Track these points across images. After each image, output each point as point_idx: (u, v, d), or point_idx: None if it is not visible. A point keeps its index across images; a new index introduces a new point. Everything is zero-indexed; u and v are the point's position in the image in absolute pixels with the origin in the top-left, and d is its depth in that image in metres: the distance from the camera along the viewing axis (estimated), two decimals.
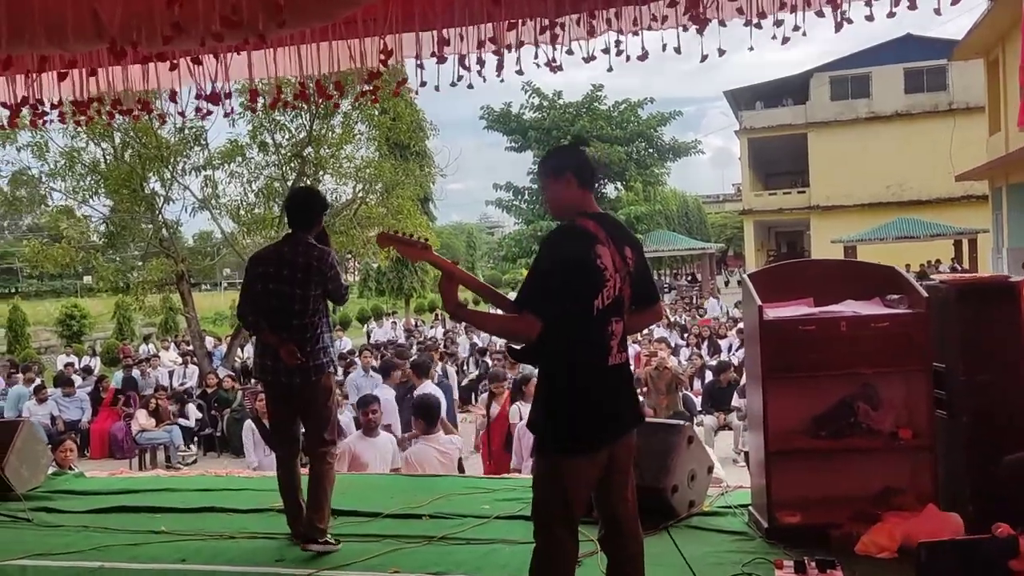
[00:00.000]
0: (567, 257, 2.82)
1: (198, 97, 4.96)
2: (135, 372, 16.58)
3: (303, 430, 4.64)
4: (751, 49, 4.56)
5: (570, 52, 4.63)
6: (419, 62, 4.53)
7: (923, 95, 36.78)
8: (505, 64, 4.58)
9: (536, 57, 4.47)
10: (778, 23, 4.41)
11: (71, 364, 18.93)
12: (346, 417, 9.40)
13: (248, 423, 9.01)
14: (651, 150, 37.79)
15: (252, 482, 6.11)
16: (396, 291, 33.54)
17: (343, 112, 15.24)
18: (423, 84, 4.94)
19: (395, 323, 27.24)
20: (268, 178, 15.96)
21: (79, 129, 13.12)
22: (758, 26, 4.42)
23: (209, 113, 5.48)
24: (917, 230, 31.70)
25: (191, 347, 18.41)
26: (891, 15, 4.35)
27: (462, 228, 74.08)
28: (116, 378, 16.25)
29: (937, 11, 4.15)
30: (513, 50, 4.48)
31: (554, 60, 4.61)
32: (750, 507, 4.49)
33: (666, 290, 38.60)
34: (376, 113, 15.56)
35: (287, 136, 15.45)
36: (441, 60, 4.57)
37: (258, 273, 4.51)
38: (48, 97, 5.22)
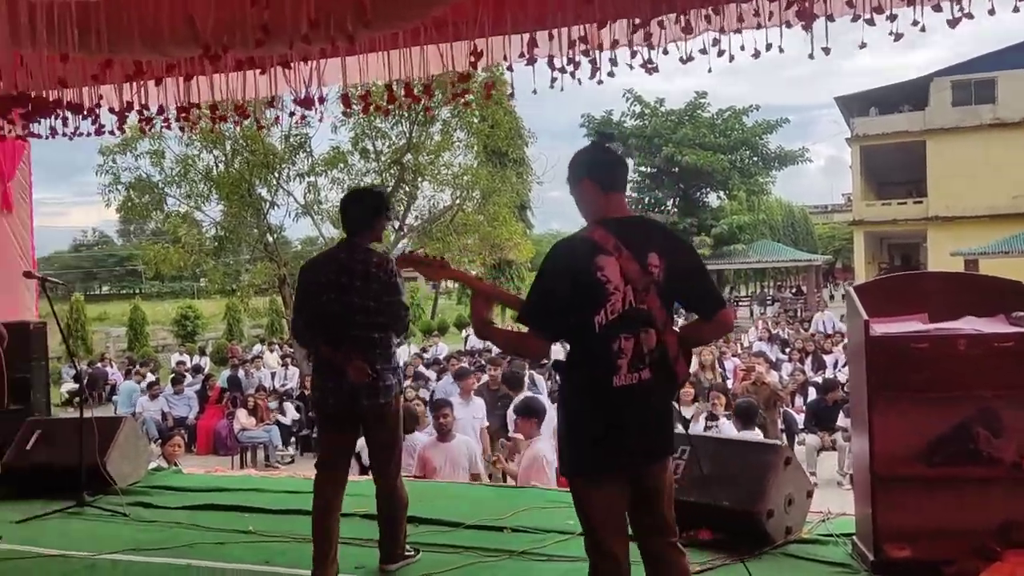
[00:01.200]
0: (562, 270, 2.66)
1: (294, 103, 5.00)
2: (240, 372, 17.15)
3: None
4: (862, 46, 4.26)
5: (665, 52, 4.45)
6: (508, 63, 4.42)
7: None
8: (600, 65, 4.41)
9: (633, 58, 4.30)
10: (892, 18, 4.11)
11: (183, 362, 19.80)
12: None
13: None
14: (756, 159, 36.73)
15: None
16: None
17: (442, 119, 15.38)
18: (511, 94, 4.86)
19: None
20: (368, 184, 16.25)
21: (193, 137, 13.66)
22: (870, 22, 4.13)
23: (303, 118, 5.55)
24: None
25: (292, 349, 18.91)
26: (1016, 10, 3.99)
27: (560, 236, 73.79)
28: (221, 377, 16.86)
29: None
30: (607, 50, 4.32)
31: (650, 61, 4.44)
32: (854, 537, 4.18)
33: (769, 302, 37.44)
34: (475, 120, 15.64)
35: (387, 143, 15.73)
36: (531, 61, 4.46)
37: (313, 283, 4.05)
38: (153, 103, 5.38)
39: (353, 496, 5.41)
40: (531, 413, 6.33)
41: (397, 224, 16.12)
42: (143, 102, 5.00)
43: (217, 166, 15.69)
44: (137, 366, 19.06)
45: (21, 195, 6.81)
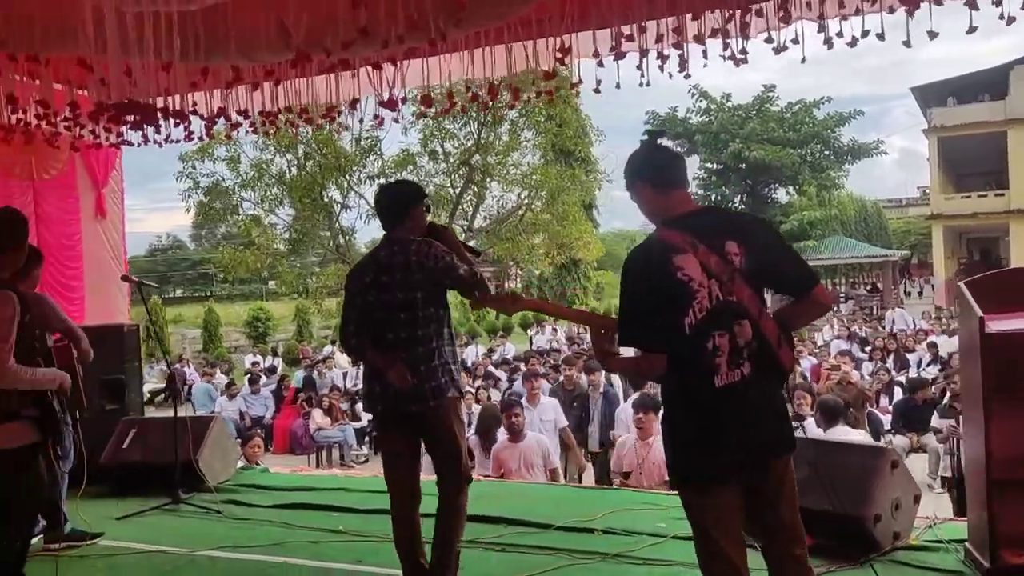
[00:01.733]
0: (641, 280, 2.57)
1: (380, 104, 5.02)
2: (312, 373, 17.40)
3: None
4: (933, 36, 4.06)
5: (769, 40, 4.31)
6: (599, 60, 4.35)
7: None
8: (689, 58, 4.31)
9: (725, 50, 4.19)
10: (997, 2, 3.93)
11: (257, 363, 20.19)
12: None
13: None
14: (827, 152, 35.83)
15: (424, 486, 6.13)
16: (559, 298, 33.57)
17: (510, 120, 15.38)
18: (596, 89, 4.79)
19: (556, 330, 27.25)
20: (437, 186, 16.36)
21: (267, 142, 13.94)
22: (972, 4, 3.94)
23: (383, 122, 5.57)
24: None
25: None
26: None
27: (624, 235, 73.49)
28: (296, 377, 17.15)
29: None
30: (702, 41, 4.21)
31: (743, 51, 4.32)
32: (966, 543, 4.00)
33: (842, 300, 36.47)
34: (542, 119, 15.60)
35: (456, 144, 15.80)
36: (619, 56, 4.38)
37: (355, 288, 3.82)
38: (239, 108, 5.47)
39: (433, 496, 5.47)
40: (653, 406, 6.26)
41: (465, 224, 16.21)
42: (238, 107, 5.07)
43: (290, 170, 15.99)
44: (206, 367, 19.53)
45: (113, 202, 7.02)
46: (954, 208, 37.68)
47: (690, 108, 35.47)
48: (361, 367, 18.45)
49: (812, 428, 7.29)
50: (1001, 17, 3.92)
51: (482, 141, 15.44)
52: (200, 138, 6.16)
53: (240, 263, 16.15)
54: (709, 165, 36.15)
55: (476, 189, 15.21)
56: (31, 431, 3.75)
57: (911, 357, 15.33)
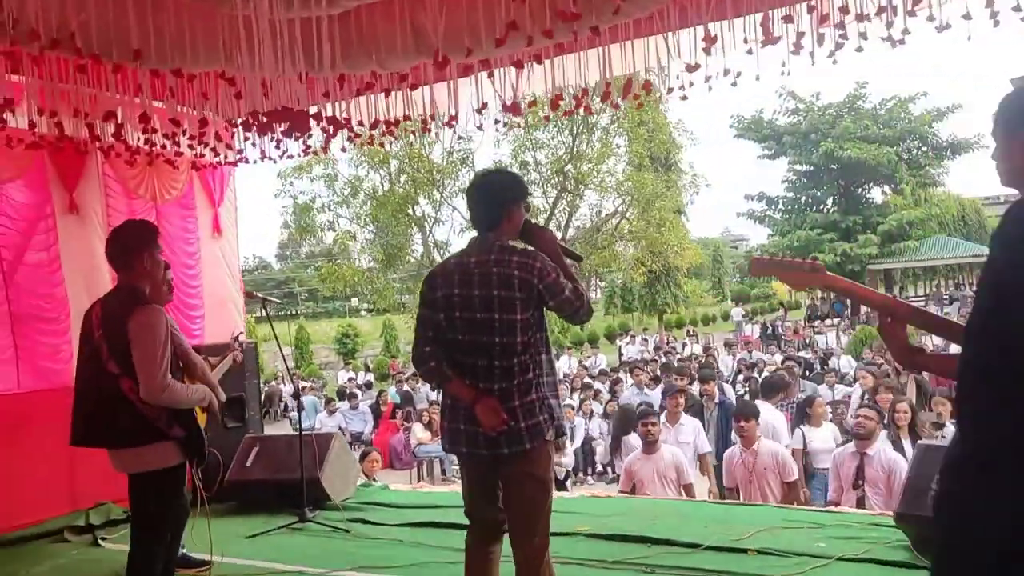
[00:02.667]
0: None
1: (503, 110, 4.86)
2: (405, 387, 17.49)
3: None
4: None
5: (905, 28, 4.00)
6: (748, 47, 4.09)
7: None
8: (845, 41, 4.02)
9: (889, 28, 3.87)
10: None
11: (352, 379, 20.43)
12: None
13: None
14: (925, 148, 34.40)
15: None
16: (649, 307, 33.07)
17: (601, 127, 15.17)
18: (736, 79, 4.52)
19: (646, 340, 26.80)
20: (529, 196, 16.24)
21: (362, 158, 14.05)
22: None
23: (506, 124, 5.42)
24: None
25: None
26: None
27: (707, 242, 72.27)
28: (391, 392, 17.25)
29: None
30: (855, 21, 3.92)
31: (906, 31, 4.01)
32: None
33: (947, 301, 34.88)
34: (634, 126, 15.33)
35: (548, 154, 15.67)
36: (771, 42, 4.11)
37: (436, 299, 3.22)
38: (357, 119, 5.40)
39: (576, 514, 5.27)
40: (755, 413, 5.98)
41: (559, 234, 16.03)
42: (361, 118, 4.99)
43: (383, 185, 16.12)
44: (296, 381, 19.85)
45: (228, 220, 7.06)
46: None
47: (776, 109, 34.60)
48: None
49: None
50: None
51: (575, 150, 15.26)
52: (315, 152, 6.13)
53: (337, 278, 16.32)
54: (798, 167, 35.08)
55: (570, 198, 15.01)
56: (177, 452, 3.70)
57: None
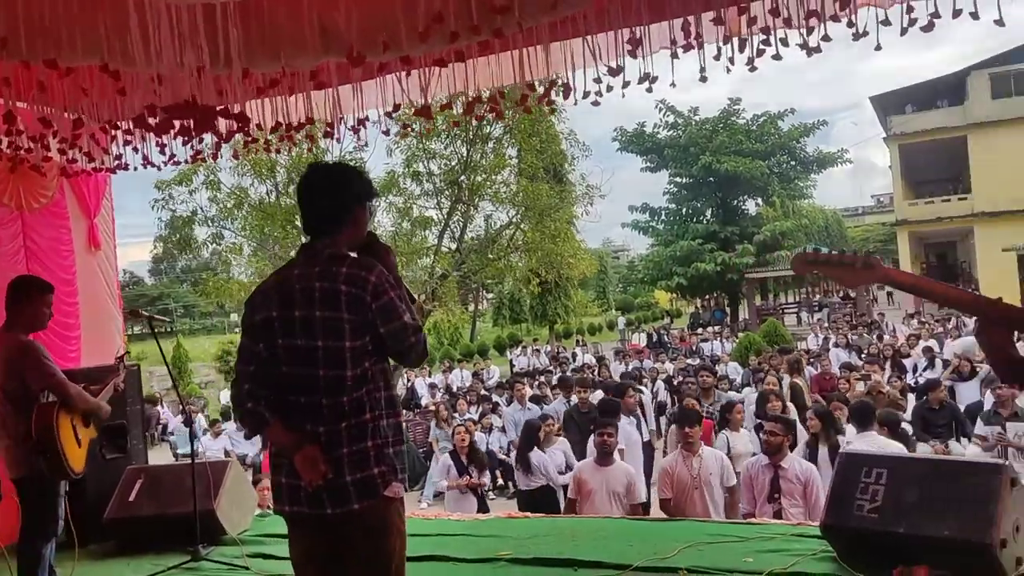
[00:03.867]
0: None
1: (415, 113, 4.60)
2: None
3: None
4: (878, 48, 3.91)
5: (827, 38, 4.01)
6: (672, 51, 3.99)
7: None
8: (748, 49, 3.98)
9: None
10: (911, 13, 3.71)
11: None
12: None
13: (446, 457, 8.82)
14: (794, 163, 36.16)
15: (464, 526, 5.67)
16: (540, 318, 33.23)
17: (495, 138, 15.05)
18: (651, 84, 4.43)
19: (538, 350, 26.85)
20: (421, 207, 15.95)
21: (246, 168, 13.40)
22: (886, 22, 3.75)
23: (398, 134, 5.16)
24: None
25: None
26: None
27: (592, 252, 73.65)
28: None
29: None
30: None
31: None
32: None
33: (816, 308, 36.66)
34: (527, 136, 15.29)
35: (441, 164, 15.42)
36: (688, 48, 4.02)
37: (255, 324, 2.64)
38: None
39: (495, 538, 5.03)
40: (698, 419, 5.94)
41: (454, 246, 15.81)
42: (258, 121, 4.61)
43: (269, 196, 15.44)
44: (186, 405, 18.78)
45: (106, 232, 6.48)
46: (918, 214, 38.24)
47: (657, 123, 35.59)
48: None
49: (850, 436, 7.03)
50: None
51: (469, 161, 15.07)
52: (204, 159, 5.67)
53: (224, 293, 15.49)
54: (679, 179, 36.20)
55: (464, 209, 14.79)
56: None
57: (907, 363, 15.20)
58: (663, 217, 36.76)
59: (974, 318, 2.04)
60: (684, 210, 36.32)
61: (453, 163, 15.36)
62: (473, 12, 3.07)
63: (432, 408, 14.79)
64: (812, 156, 36.37)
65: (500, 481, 11.78)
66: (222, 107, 3.84)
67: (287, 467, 2.60)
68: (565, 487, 6.69)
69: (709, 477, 5.81)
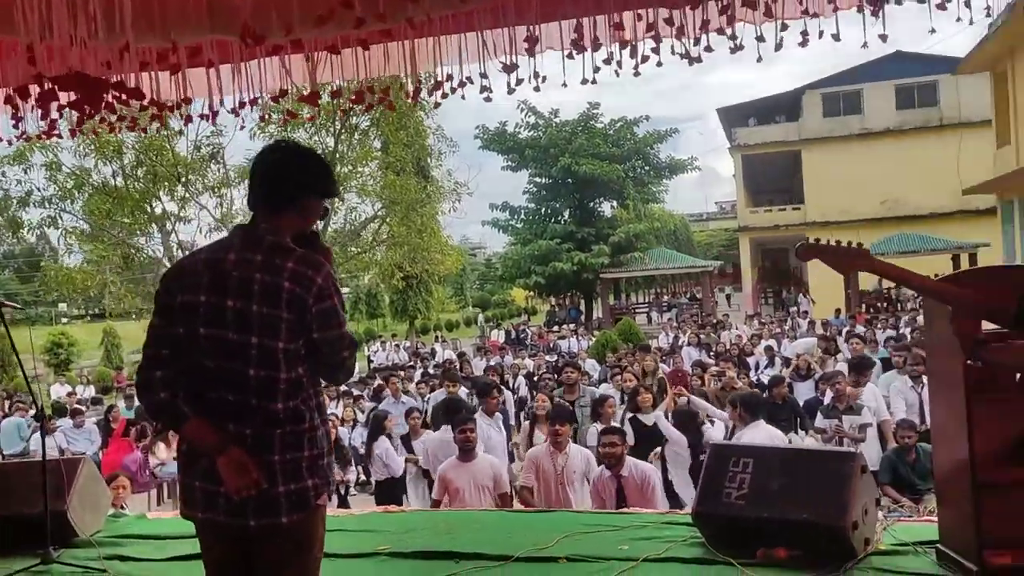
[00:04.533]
0: None
1: (300, 99, 4.48)
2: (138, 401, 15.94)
3: None
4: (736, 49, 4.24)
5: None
6: (568, 51, 4.08)
7: (914, 111, 37.12)
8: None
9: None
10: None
11: (72, 393, 18.21)
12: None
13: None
14: (647, 168, 37.61)
15: (337, 521, 5.53)
16: (400, 313, 32.96)
17: (362, 130, 14.81)
18: (540, 84, 4.52)
19: (397, 346, 26.67)
20: None
21: (89, 149, 12.55)
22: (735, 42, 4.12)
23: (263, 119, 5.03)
24: (917, 245, 31.79)
25: None
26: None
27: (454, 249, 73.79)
28: (122, 407, 15.60)
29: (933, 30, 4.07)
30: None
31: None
32: (938, 545, 4.04)
33: (665, 308, 38.34)
34: (395, 130, 15.14)
35: None
36: (581, 50, 4.13)
37: (174, 306, 2.43)
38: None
39: (371, 532, 4.98)
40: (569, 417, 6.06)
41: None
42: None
43: (115, 179, 14.52)
44: (14, 400, 17.43)
45: None
46: (758, 221, 40.71)
47: (519, 123, 36.08)
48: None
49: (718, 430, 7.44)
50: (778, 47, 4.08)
51: (335, 152, 14.73)
52: (59, 135, 5.29)
53: (64, 280, 14.41)
54: (539, 179, 36.85)
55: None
56: None
57: (750, 360, 16.18)
58: (522, 216, 37.33)
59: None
60: (543, 210, 37.03)
61: (318, 153, 14.99)
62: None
63: None
64: (664, 162, 37.98)
65: (362, 477, 11.63)
66: (116, 80, 3.58)
67: (203, 469, 2.40)
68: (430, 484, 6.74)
69: (572, 475, 5.95)
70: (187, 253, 12.88)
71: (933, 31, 4.29)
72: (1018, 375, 2.24)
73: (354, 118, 13.32)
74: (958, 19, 4.09)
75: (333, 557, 4.62)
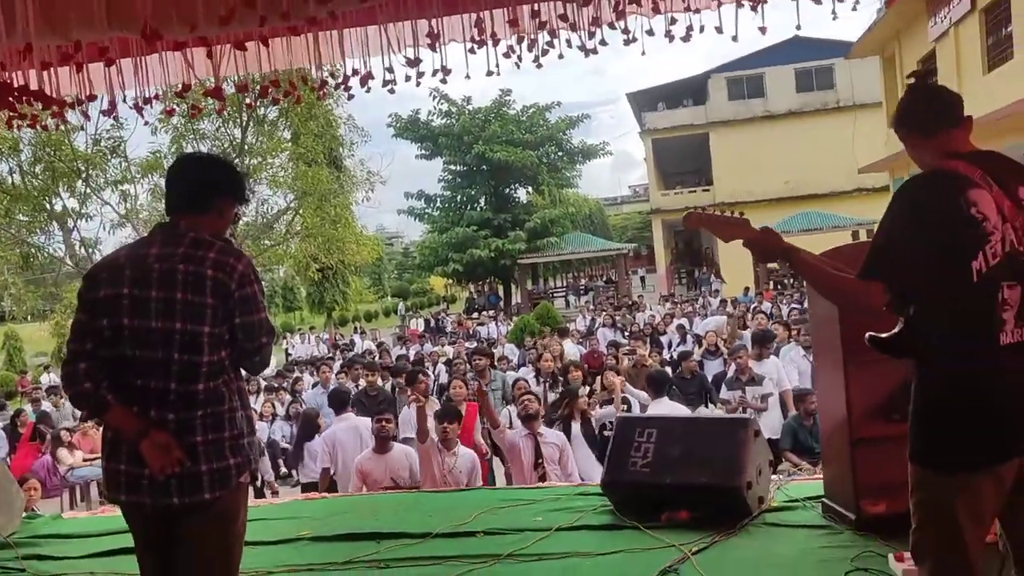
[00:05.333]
0: (925, 209, 2.21)
1: (206, 93, 4.51)
2: (45, 405, 15.48)
3: None
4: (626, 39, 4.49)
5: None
6: (470, 47, 4.23)
7: (813, 94, 38.51)
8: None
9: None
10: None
11: None
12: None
13: None
14: (561, 154, 38.02)
15: (259, 511, 5.58)
16: (317, 305, 32.56)
17: (270, 121, 14.62)
18: (445, 77, 4.67)
19: (317, 338, 26.42)
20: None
21: None
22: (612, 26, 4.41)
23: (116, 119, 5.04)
24: (819, 223, 33.09)
25: None
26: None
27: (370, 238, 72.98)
28: (29, 411, 15.09)
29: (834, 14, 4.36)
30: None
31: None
32: (823, 499, 4.39)
33: (583, 292, 38.95)
34: (305, 120, 15.00)
35: (213, 146, 14.71)
36: (481, 44, 4.29)
37: (98, 300, 2.56)
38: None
39: (293, 519, 5.08)
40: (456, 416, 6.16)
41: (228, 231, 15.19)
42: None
43: (12, 176, 13.97)
44: None
45: None
46: (669, 203, 41.64)
47: (431, 111, 35.97)
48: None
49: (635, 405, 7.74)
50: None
51: (245, 144, 14.49)
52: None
53: None
54: (453, 167, 36.84)
55: None
56: None
57: (663, 339, 16.70)
58: (438, 204, 37.29)
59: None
60: (459, 197, 37.06)
61: (225, 145, 14.73)
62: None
63: None
64: (577, 147, 38.43)
65: (284, 470, 11.59)
66: (21, 84, 3.55)
67: (127, 454, 2.53)
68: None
69: (459, 476, 5.94)
70: (90, 250, 12.47)
71: (835, 16, 4.57)
72: (867, 336, 2.50)
73: (261, 109, 13.13)
74: (833, 14, 4.40)
75: (253, 545, 4.72)
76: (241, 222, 16.30)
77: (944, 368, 2.25)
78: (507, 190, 37.26)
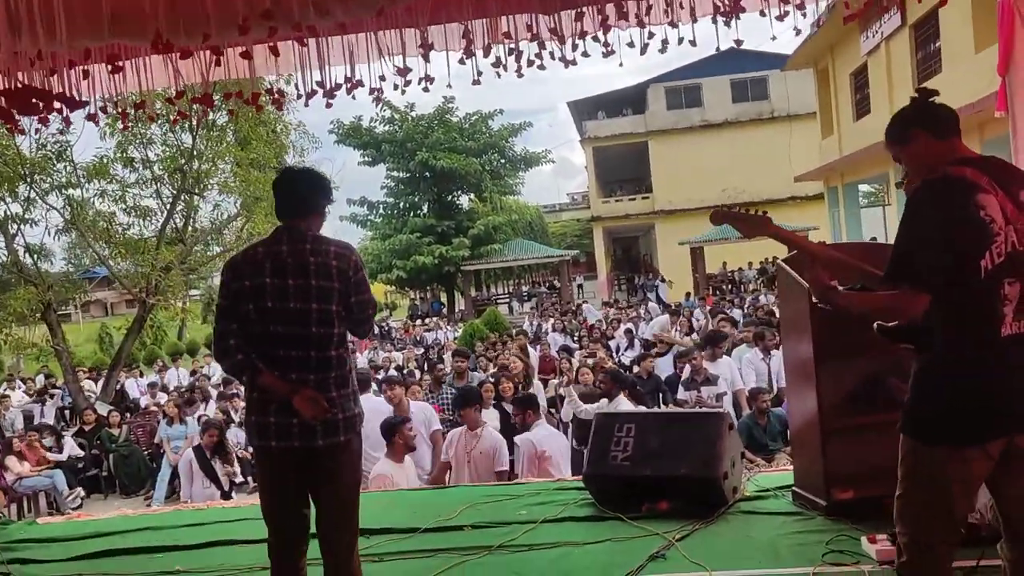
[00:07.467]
0: (942, 212, 2.41)
1: (193, 101, 4.58)
2: None
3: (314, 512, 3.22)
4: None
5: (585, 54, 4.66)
6: (462, 56, 4.39)
7: (748, 104, 39.55)
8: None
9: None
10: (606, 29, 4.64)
11: None
12: None
13: (188, 453, 8.45)
14: (503, 161, 38.25)
15: (243, 511, 5.66)
16: None
17: (219, 126, 14.47)
18: (428, 85, 4.82)
19: None
20: (134, 195, 14.89)
21: None
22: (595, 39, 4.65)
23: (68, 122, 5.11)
24: None
25: (47, 383, 16.84)
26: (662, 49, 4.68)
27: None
28: None
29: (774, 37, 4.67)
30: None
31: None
32: (793, 488, 4.66)
33: (526, 298, 39.23)
34: (255, 125, 14.88)
35: (161, 151, 14.50)
36: (469, 55, 4.47)
37: (243, 288, 3.11)
38: None
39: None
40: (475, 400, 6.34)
41: (177, 235, 14.97)
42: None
43: None
44: None
45: None
46: (610, 211, 42.30)
47: (374, 118, 35.79)
48: (43, 402, 16.28)
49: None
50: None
51: (194, 149, 14.30)
52: None
53: None
54: (396, 174, 36.72)
55: (188, 198, 14.04)
56: None
57: (612, 344, 17.03)
58: (381, 211, 37.10)
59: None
60: (402, 204, 36.95)
61: (173, 150, 14.53)
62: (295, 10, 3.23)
63: (155, 409, 14.01)
64: (519, 155, 38.71)
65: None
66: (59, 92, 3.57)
67: (276, 408, 3.08)
68: None
69: (480, 456, 6.21)
70: (36, 258, 12.10)
71: (774, 38, 4.95)
72: (875, 325, 2.76)
73: (210, 114, 13.01)
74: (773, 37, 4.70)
75: (241, 543, 4.82)
76: (189, 228, 16.12)
77: (949, 355, 2.46)
78: (450, 197, 37.30)
